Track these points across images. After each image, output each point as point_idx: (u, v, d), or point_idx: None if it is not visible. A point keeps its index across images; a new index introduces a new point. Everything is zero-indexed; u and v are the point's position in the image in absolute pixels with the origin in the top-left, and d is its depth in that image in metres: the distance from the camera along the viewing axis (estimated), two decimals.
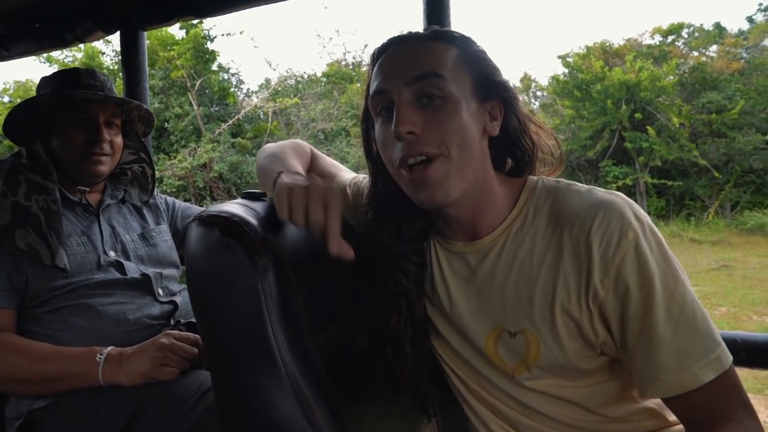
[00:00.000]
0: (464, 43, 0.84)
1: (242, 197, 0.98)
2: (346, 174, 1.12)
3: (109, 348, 1.15)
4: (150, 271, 1.36)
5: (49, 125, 1.35)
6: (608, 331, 0.79)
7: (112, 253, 1.35)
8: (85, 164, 1.35)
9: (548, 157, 0.91)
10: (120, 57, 1.87)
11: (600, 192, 0.81)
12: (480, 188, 0.84)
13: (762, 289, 6.44)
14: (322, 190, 0.80)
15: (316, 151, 1.16)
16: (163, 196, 1.65)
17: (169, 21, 1.61)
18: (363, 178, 1.06)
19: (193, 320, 1.37)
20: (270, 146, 1.12)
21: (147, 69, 1.74)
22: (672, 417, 0.87)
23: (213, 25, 9.21)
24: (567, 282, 0.79)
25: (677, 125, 10.77)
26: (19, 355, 1.15)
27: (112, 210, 1.45)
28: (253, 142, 8.54)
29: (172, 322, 1.33)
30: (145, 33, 1.73)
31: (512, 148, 0.89)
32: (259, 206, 0.93)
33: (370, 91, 0.85)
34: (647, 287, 0.74)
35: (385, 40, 0.87)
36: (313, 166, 1.12)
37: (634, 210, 0.78)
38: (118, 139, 1.42)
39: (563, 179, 0.88)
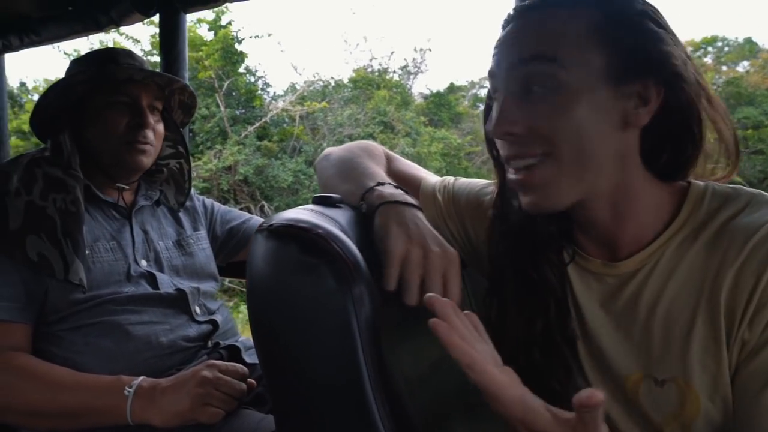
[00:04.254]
0: (605, 3, 0.64)
1: (314, 202, 0.79)
2: (431, 177, 0.95)
3: (140, 378, 0.95)
4: (186, 285, 1.17)
5: (84, 112, 1.17)
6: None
7: (144, 263, 1.17)
8: (128, 154, 1.16)
9: (714, 152, 0.69)
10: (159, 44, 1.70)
11: None
12: (618, 192, 0.68)
13: None
14: (442, 258, 0.67)
15: (389, 152, 0.99)
16: (201, 197, 1.45)
17: (215, 1, 1.43)
18: (454, 180, 0.93)
19: (235, 343, 1.18)
20: (337, 151, 0.95)
21: (187, 56, 1.57)
22: None
23: (241, 27, 9.13)
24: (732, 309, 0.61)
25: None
26: (34, 381, 0.95)
27: (145, 213, 1.26)
28: (279, 145, 8.39)
29: (209, 344, 1.14)
30: (187, 16, 1.56)
31: (673, 140, 0.67)
32: (338, 215, 0.74)
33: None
34: None
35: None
36: (390, 170, 0.95)
37: None
38: (161, 127, 1.23)
39: (743, 186, 0.67)
